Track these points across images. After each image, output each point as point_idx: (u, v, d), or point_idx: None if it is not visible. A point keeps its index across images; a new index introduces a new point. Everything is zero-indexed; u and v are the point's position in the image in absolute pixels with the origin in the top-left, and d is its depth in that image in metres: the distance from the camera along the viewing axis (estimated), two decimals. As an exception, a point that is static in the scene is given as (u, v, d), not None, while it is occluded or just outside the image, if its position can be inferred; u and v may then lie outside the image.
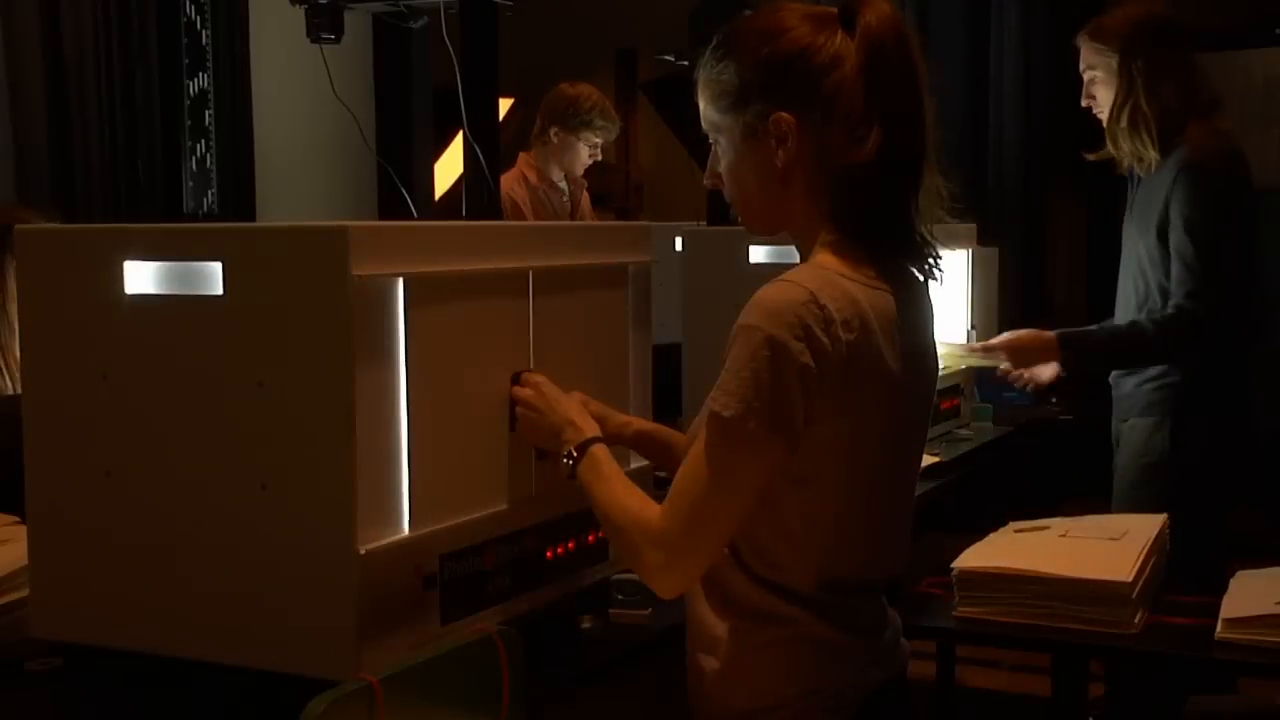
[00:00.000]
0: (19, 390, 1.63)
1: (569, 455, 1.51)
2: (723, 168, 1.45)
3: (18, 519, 1.80)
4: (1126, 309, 2.73)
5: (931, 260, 1.45)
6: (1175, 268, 2.59)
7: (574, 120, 3.94)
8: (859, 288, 1.36)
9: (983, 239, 3.38)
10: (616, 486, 1.45)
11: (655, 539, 1.35)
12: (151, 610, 1.51)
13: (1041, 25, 4.10)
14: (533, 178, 3.98)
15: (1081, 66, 2.76)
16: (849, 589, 1.42)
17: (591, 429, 1.53)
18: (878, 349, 1.36)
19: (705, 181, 1.49)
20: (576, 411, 1.55)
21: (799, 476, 1.35)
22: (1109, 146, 2.71)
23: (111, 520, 1.52)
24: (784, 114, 1.38)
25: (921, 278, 1.47)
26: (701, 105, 1.45)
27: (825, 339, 1.31)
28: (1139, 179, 2.72)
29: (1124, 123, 2.65)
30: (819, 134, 1.38)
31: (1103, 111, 2.71)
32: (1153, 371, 2.66)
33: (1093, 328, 2.74)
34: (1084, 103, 2.77)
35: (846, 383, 1.33)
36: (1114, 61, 2.67)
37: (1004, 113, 4.13)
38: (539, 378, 1.60)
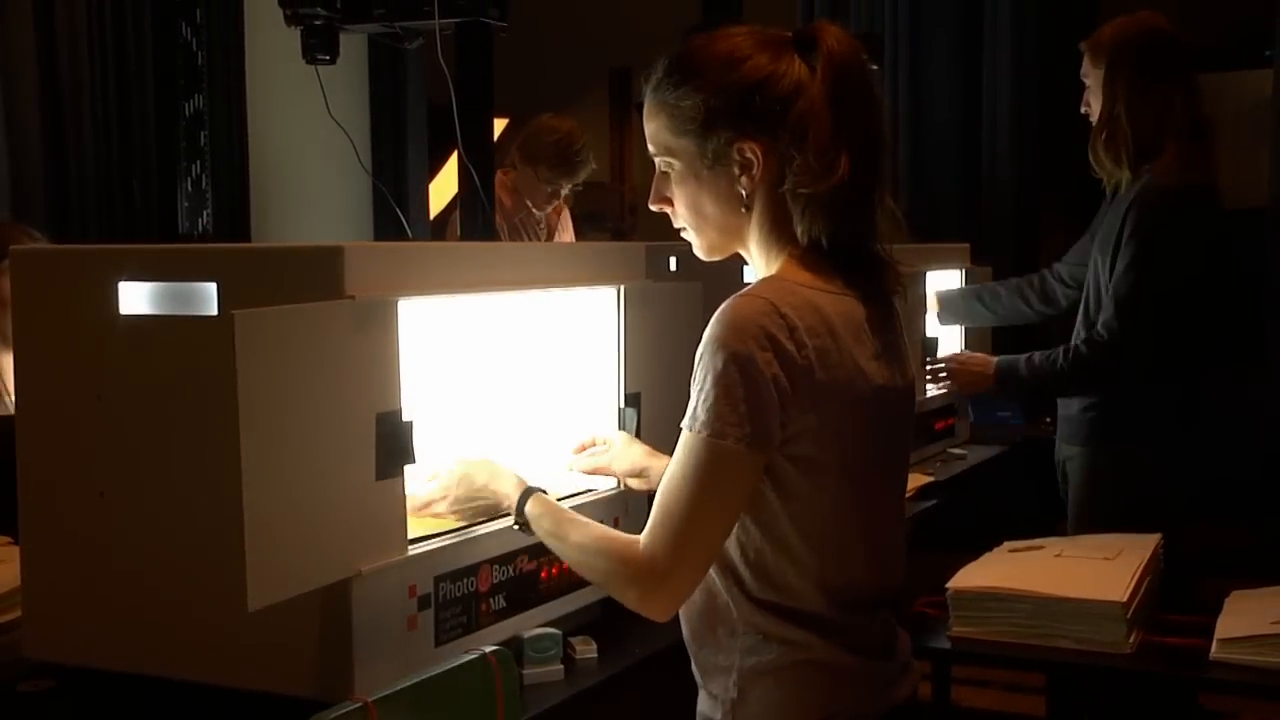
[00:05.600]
0: (12, 410, 1.63)
1: (516, 522, 1.52)
2: (676, 192, 1.43)
3: (10, 539, 1.80)
4: (1078, 327, 2.69)
5: (893, 276, 1.45)
6: (1106, 295, 2.54)
7: (531, 150, 3.73)
8: (820, 294, 1.36)
9: (976, 258, 3.39)
10: (579, 524, 1.45)
11: (642, 565, 1.33)
12: (145, 631, 1.50)
13: (1033, 43, 4.12)
14: (506, 201, 3.80)
15: (1082, 71, 2.70)
16: (855, 606, 1.41)
17: (515, 483, 1.54)
18: (848, 352, 1.36)
19: (651, 204, 1.46)
20: (491, 477, 1.58)
21: (791, 491, 1.35)
22: (1090, 159, 2.63)
23: (105, 541, 1.52)
24: (750, 143, 1.37)
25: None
26: (653, 129, 1.43)
27: (791, 345, 1.30)
28: (1112, 196, 2.65)
29: (1104, 138, 2.59)
30: (784, 160, 1.37)
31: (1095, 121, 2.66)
32: (1094, 398, 2.61)
33: (1023, 358, 2.67)
34: (1083, 109, 2.70)
35: (820, 388, 1.32)
36: (1101, 74, 2.61)
37: (996, 131, 4.15)
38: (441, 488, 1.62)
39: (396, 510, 1.45)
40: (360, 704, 1.27)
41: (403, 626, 1.47)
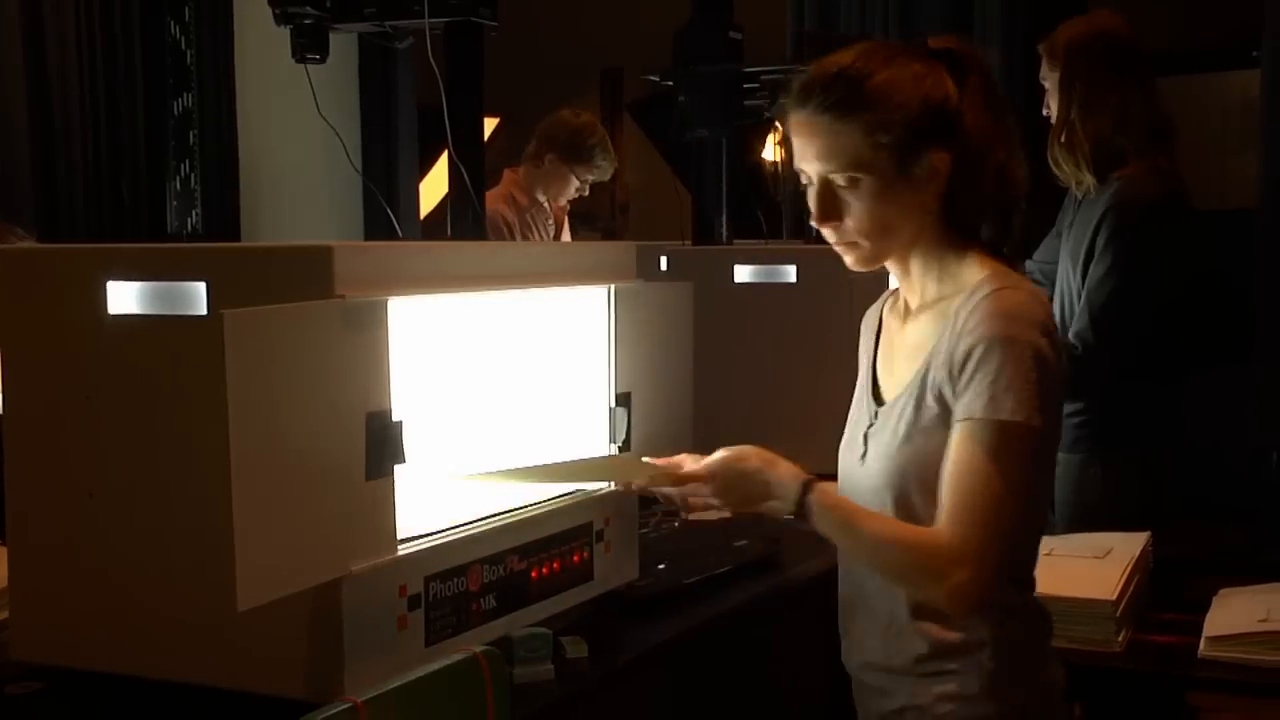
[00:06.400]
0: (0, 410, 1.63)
1: (792, 512, 1.49)
2: (858, 207, 1.48)
3: (-2, 540, 1.79)
4: None
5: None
6: (1079, 305, 2.53)
7: (573, 153, 3.90)
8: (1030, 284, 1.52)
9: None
10: (875, 517, 1.47)
11: (954, 558, 1.38)
12: (134, 632, 1.50)
13: (1022, 45, 4.12)
14: (521, 199, 3.94)
15: (1040, 74, 2.68)
16: None
17: (794, 472, 1.50)
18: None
19: (818, 223, 1.51)
20: (766, 464, 1.52)
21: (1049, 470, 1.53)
22: (1049, 161, 2.61)
23: (93, 542, 1.51)
24: (942, 153, 1.47)
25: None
26: (833, 146, 1.47)
27: (1054, 330, 1.45)
28: (1079, 200, 2.64)
29: (1062, 140, 2.57)
30: (961, 168, 1.47)
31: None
32: (1077, 405, 2.59)
33: None
34: (1044, 111, 2.68)
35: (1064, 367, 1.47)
36: (1057, 77, 2.59)
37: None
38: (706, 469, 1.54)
39: (387, 510, 1.45)
40: (350, 704, 1.26)
41: (393, 626, 1.46)
